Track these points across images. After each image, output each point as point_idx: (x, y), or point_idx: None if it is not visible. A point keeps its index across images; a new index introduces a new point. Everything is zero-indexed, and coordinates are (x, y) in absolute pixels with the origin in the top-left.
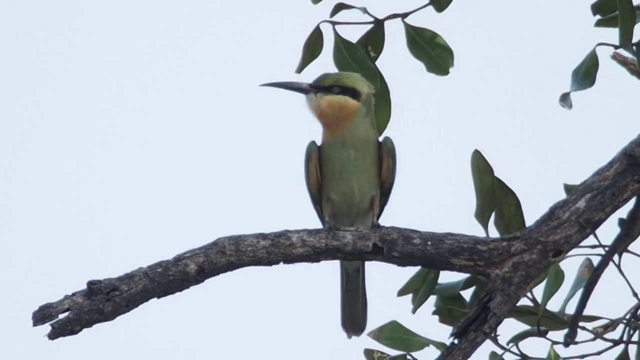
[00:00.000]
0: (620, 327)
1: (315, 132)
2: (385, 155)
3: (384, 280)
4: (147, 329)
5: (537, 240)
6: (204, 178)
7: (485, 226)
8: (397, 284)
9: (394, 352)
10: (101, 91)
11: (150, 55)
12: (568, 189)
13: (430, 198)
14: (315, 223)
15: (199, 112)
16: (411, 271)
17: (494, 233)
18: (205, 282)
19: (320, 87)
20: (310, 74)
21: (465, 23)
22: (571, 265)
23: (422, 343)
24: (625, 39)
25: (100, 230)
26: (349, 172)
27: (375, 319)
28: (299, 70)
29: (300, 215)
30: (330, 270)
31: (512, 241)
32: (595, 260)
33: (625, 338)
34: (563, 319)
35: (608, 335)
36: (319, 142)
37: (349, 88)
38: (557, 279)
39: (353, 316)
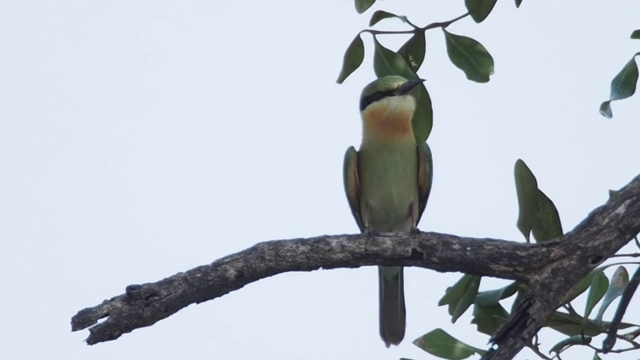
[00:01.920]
0: None
1: (351, 136)
2: (422, 160)
3: (420, 288)
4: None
5: (576, 246)
6: (244, 183)
7: (527, 235)
8: (431, 292)
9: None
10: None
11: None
12: (612, 194)
13: (471, 206)
14: (355, 229)
15: (239, 116)
16: (449, 279)
17: (532, 242)
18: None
19: (399, 89)
20: (352, 85)
21: (504, 32)
22: (610, 274)
23: (467, 351)
24: None
25: (139, 234)
26: (390, 177)
27: (412, 327)
28: (341, 80)
29: (340, 220)
30: (369, 278)
31: (552, 247)
32: (634, 267)
33: None
34: (602, 327)
35: None
36: (357, 147)
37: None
38: (602, 286)
39: (392, 325)
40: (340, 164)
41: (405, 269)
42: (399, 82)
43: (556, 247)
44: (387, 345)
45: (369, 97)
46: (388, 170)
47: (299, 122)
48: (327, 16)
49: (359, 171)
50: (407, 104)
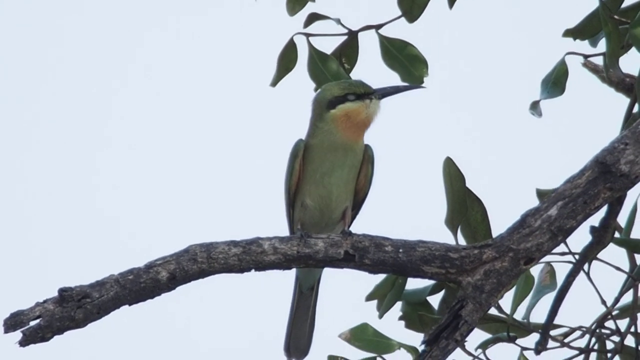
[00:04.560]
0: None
1: (285, 138)
2: (365, 163)
3: (348, 286)
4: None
5: (508, 247)
6: (176, 184)
7: (455, 233)
8: (360, 289)
9: (363, 355)
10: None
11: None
12: (540, 194)
13: (401, 206)
14: (287, 232)
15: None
16: (378, 276)
17: (460, 240)
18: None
19: (380, 93)
20: (286, 88)
21: (437, 33)
22: (536, 272)
23: (392, 346)
24: (613, 59)
25: (71, 236)
26: (335, 177)
27: (339, 323)
28: (274, 83)
29: (272, 222)
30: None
31: (484, 249)
32: (567, 268)
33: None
34: (529, 327)
35: (575, 344)
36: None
37: None
38: (527, 285)
39: (298, 338)
40: (284, 158)
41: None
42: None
43: (488, 249)
44: None
45: (340, 97)
46: (335, 170)
47: (231, 125)
48: (258, 19)
49: (303, 167)
50: (380, 109)
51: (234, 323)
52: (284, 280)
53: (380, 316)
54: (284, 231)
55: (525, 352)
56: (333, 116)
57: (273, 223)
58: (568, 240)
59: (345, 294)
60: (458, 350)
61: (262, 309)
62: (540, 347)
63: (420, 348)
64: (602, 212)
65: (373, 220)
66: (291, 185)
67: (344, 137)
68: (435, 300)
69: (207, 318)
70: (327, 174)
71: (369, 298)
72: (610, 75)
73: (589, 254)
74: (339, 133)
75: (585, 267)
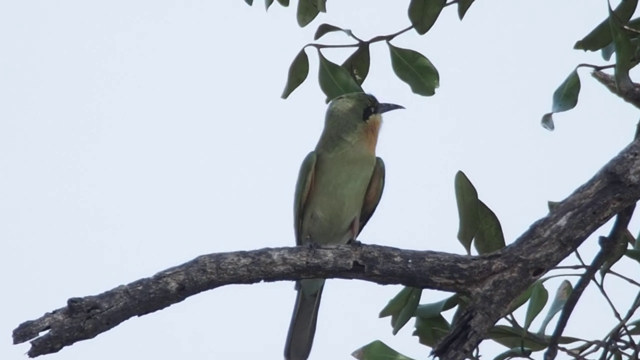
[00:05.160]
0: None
1: (300, 142)
2: (376, 175)
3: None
4: None
5: (517, 258)
6: (186, 195)
7: (468, 247)
8: (372, 304)
9: None
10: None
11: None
12: (552, 206)
13: (413, 219)
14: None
15: (182, 130)
16: (391, 291)
17: (474, 254)
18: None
19: (381, 107)
20: (297, 99)
21: (447, 44)
22: (552, 286)
23: None
24: (622, 71)
25: (82, 247)
26: (348, 188)
27: (352, 339)
28: (285, 95)
29: (281, 233)
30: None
31: (493, 259)
32: (577, 279)
33: None
34: (543, 340)
35: (589, 357)
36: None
37: None
38: (541, 298)
39: (298, 342)
40: (294, 169)
41: (344, 284)
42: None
43: (497, 259)
44: None
45: (367, 109)
46: (349, 181)
47: (243, 136)
48: (268, 30)
49: (316, 179)
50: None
51: (234, 328)
52: (286, 286)
53: (395, 332)
54: (293, 242)
55: None
56: (365, 127)
57: (282, 234)
58: (581, 254)
59: (357, 306)
60: None
61: (263, 314)
62: (549, 358)
63: (429, 359)
64: (611, 223)
65: (382, 232)
66: (302, 197)
67: (369, 149)
68: (449, 315)
69: (205, 323)
70: (340, 186)
71: (383, 314)
72: (621, 86)
73: (598, 265)
74: (364, 144)
75: (599, 279)
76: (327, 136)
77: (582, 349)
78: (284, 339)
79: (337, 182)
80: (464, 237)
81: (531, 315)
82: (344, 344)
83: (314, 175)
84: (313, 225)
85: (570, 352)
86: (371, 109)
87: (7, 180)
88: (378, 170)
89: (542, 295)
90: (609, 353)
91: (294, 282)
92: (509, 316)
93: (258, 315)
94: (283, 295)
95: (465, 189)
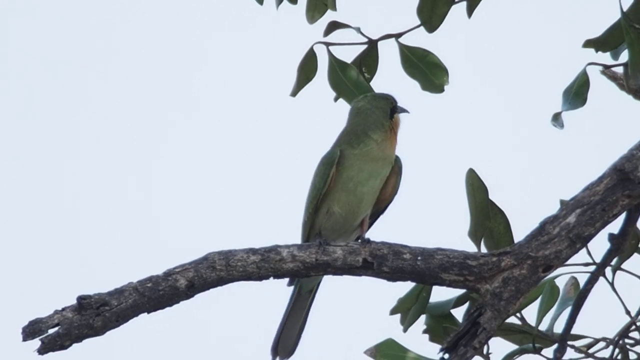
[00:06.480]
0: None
1: (309, 140)
2: (394, 173)
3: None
4: None
5: (527, 255)
6: (194, 193)
7: (478, 245)
8: (383, 302)
9: None
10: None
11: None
12: (563, 204)
13: (424, 216)
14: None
15: (190, 128)
16: (400, 288)
17: (483, 251)
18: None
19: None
20: (306, 97)
21: (457, 43)
22: (563, 284)
23: None
24: (635, 69)
25: (90, 243)
26: (368, 186)
27: (363, 337)
28: (294, 93)
29: (291, 230)
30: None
31: (502, 256)
32: (586, 277)
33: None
34: (552, 337)
35: (600, 354)
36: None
37: None
38: (553, 296)
39: (287, 339)
40: (304, 166)
41: (353, 282)
42: None
43: (507, 256)
44: None
45: (393, 108)
46: (370, 179)
47: (252, 135)
48: (278, 27)
49: (336, 175)
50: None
51: (227, 323)
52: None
53: (405, 330)
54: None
55: None
56: (390, 125)
57: (292, 231)
58: (592, 251)
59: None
60: None
61: (253, 308)
62: (558, 355)
63: (439, 356)
64: (621, 220)
65: (392, 230)
66: (322, 192)
67: (391, 148)
68: (459, 313)
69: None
70: (361, 184)
71: (393, 312)
72: (630, 84)
73: (607, 262)
74: (388, 143)
75: (610, 277)
76: (351, 132)
77: (589, 346)
78: (270, 335)
79: (359, 180)
80: (475, 235)
81: (542, 313)
82: (353, 343)
83: (335, 172)
84: (327, 221)
85: (579, 350)
86: (396, 108)
87: (17, 179)
88: (396, 169)
89: (554, 293)
90: (617, 350)
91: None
92: (518, 314)
93: (249, 311)
94: (274, 291)
95: (476, 186)
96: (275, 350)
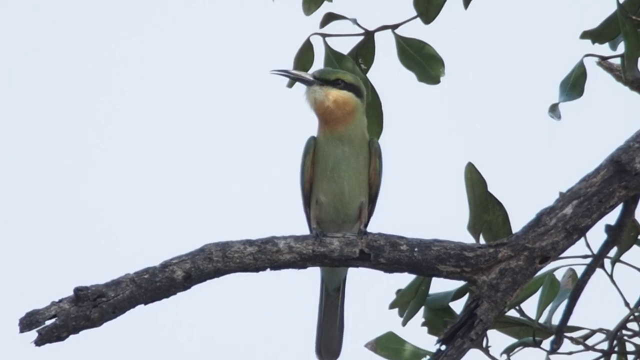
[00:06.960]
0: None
1: (305, 131)
2: (372, 156)
3: (370, 290)
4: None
5: (523, 246)
6: (191, 183)
7: (477, 238)
8: (381, 295)
9: None
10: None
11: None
12: (560, 195)
13: (421, 209)
14: (304, 229)
15: (187, 119)
16: (398, 281)
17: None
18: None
19: (326, 80)
20: (302, 89)
21: (454, 35)
22: (561, 276)
23: (418, 354)
24: (631, 60)
25: (87, 235)
26: (342, 170)
27: (362, 330)
28: (291, 84)
29: (287, 221)
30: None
31: (499, 247)
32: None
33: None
34: (550, 329)
35: (598, 346)
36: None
37: (353, 85)
38: (553, 288)
39: (329, 340)
40: (298, 155)
41: (352, 276)
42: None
43: (504, 247)
44: None
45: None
46: (340, 162)
47: (248, 126)
48: (274, 19)
49: (314, 164)
50: (316, 95)
51: (265, 325)
52: (312, 282)
53: (404, 323)
54: (300, 230)
55: (551, 357)
56: (315, 104)
57: (288, 222)
58: (590, 243)
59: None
60: (484, 356)
61: (292, 310)
62: (555, 346)
63: (436, 347)
64: (617, 211)
65: (391, 223)
66: (304, 182)
67: (324, 128)
68: (457, 306)
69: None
70: (334, 168)
71: (393, 306)
72: (627, 75)
73: (604, 253)
74: (331, 122)
75: (609, 269)
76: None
77: (586, 337)
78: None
79: (332, 166)
80: (473, 228)
81: (543, 306)
82: (353, 337)
83: (312, 160)
84: (320, 212)
85: (576, 341)
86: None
87: (15, 174)
88: (373, 151)
89: (554, 285)
90: (615, 341)
91: (319, 278)
92: (517, 306)
93: (287, 312)
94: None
95: (474, 180)
96: (320, 353)
